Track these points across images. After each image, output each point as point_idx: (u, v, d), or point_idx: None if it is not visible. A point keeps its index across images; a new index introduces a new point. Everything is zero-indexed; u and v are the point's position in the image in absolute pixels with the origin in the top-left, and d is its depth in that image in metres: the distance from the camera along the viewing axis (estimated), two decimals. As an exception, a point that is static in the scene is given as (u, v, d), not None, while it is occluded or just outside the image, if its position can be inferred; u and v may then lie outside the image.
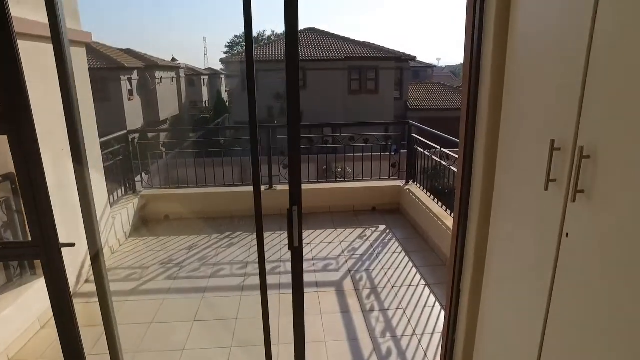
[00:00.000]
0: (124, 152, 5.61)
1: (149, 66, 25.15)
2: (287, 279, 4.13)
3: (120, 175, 5.63)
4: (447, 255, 4.25)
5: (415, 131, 5.64)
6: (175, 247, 4.92)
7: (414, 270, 4.16)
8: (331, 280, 4.01)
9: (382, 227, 5.31)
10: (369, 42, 25.56)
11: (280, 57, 23.29)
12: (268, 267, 4.34)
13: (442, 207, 4.72)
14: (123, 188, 5.67)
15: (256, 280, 4.19)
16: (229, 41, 57.33)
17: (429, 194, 5.15)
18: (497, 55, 1.68)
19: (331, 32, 26.97)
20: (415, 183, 5.67)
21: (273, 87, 22.04)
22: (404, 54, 25.24)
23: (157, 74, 26.30)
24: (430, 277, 4.00)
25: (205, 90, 55.61)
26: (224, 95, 36.84)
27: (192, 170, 6.15)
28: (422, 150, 5.24)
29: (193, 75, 53.98)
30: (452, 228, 2.21)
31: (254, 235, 5.21)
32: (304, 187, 5.81)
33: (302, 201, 1.78)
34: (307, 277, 4.08)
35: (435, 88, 29.87)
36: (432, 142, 5.07)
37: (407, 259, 4.42)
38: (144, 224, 5.69)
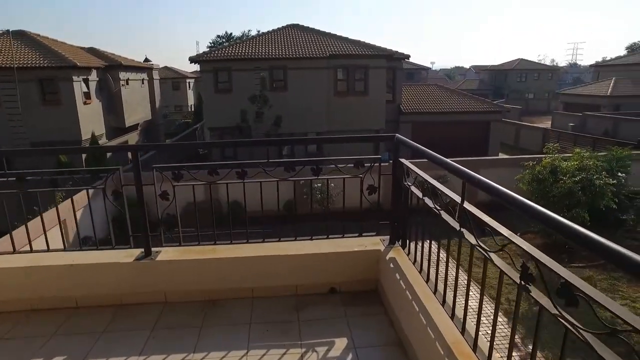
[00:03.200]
0: None
1: (111, 66, 22.43)
2: None
3: None
4: None
5: (405, 153, 3.06)
6: None
7: None
8: None
9: (339, 344, 2.71)
10: (358, 40, 23.09)
11: (259, 55, 20.76)
12: None
13: (461, 331, 2.13)
14: None
15: None
16: (211, 41, 54.97)
17: (431, 275, 2.58)
18: None
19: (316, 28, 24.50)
20: (406, 249, 3.09)
21: (249, 88, 19.49)
22: (396, 52, 22.79)
23: (123, 75, 23.61)
24: None
25: (191, 94, 53.37)
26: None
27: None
28: (418, 193, 2.67)
29: (178, 78, 51.69)
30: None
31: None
32: (210, 254, 2.73)
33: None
34: None
35: (430, 90, 27.46)
36: (440, 184, 2.47)
37: None
38: None
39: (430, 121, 24.91)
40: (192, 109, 47.06)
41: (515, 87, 54.78)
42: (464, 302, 2.14)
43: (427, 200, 2.51)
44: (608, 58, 53.73)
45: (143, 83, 27.07)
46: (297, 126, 20.21)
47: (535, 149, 27.87)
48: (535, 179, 10.95)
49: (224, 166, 3.22)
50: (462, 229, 2.04)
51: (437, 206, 2.39)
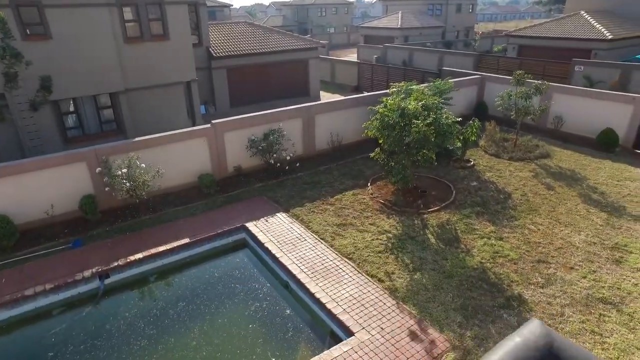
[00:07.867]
0: None
1: None
2: None
3: None
4: None
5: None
6: None
7: None
8: None
9: None
10: (142, -34, 17.99)
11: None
12: None
13: None
14: None
15: None
16: None
17: None
18: None
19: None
20: None
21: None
22: (194, -18, 18.76)
23: None
24: None
25: None
26: None
27: None
28: None
29: None
30: None
31: None
32: None
33: None
34: None
35: (241, 28, 24.38)
36: None
37: None
38: None
39: (246, 64, 22.25)
40: None
41: (317, 22, 55.50)
42: None
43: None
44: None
45: None
46: (79, 87, 15.01)
47: (352, 84, 28.31)
48: (386, 125, 9.84)
49: None
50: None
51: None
